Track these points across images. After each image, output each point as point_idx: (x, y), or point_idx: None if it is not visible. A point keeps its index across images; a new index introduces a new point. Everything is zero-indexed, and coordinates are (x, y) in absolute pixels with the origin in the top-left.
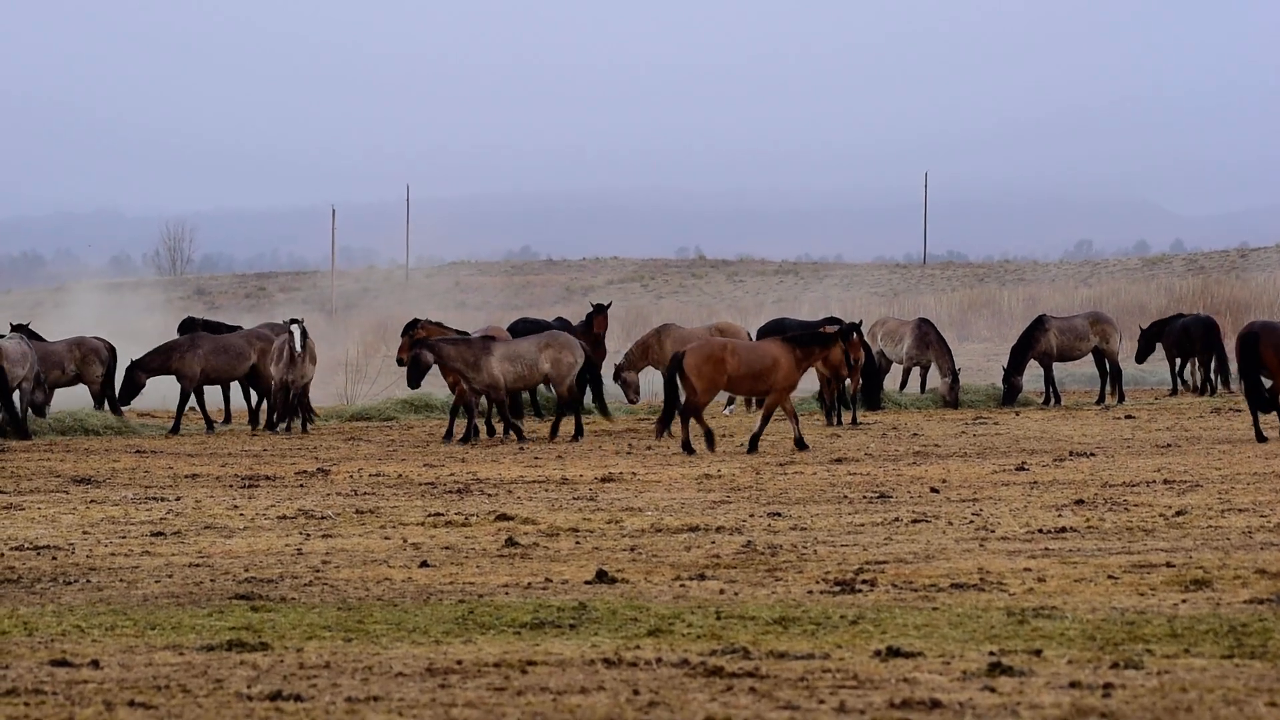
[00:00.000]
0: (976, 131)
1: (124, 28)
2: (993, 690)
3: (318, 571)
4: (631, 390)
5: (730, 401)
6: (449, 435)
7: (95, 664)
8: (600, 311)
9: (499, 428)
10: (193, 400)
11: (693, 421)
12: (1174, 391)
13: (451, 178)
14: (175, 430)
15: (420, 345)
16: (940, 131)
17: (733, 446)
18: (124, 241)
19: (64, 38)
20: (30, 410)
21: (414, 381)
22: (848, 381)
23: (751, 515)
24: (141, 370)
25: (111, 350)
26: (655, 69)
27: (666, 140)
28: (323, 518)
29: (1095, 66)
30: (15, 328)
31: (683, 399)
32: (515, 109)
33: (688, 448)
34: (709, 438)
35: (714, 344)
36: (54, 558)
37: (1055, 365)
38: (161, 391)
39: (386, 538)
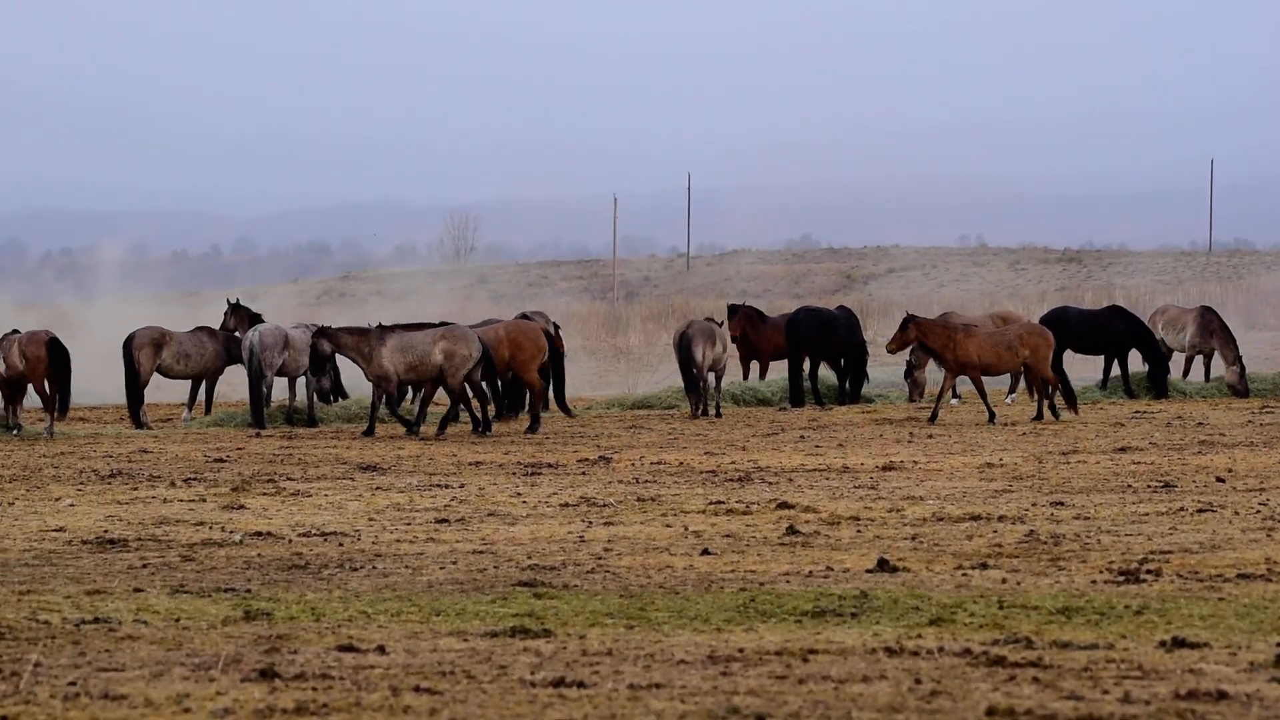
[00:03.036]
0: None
1: (407, 25)
2: None
3: (600, 559)
4: (918, 390)
5: (1012, 390)
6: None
7: (381, 649)
8: (734, 314)
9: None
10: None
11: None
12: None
13: (732, 166)
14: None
15: (320, 334)
16: (1223, 99)
17: (1015, 435)
18: (408, 230)
19: (356, 39)
20: (316, 397)
21: (315, 370)
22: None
23: (1034, 504)
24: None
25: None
26: (932, 48)
27: (946, 124)
28: (605, 505)
29: None
30: (234, 306)
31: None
32: (794, 96)
33: None
34: None
35: None
36: (340, 544)
37: None
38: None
39: (668, 525)
